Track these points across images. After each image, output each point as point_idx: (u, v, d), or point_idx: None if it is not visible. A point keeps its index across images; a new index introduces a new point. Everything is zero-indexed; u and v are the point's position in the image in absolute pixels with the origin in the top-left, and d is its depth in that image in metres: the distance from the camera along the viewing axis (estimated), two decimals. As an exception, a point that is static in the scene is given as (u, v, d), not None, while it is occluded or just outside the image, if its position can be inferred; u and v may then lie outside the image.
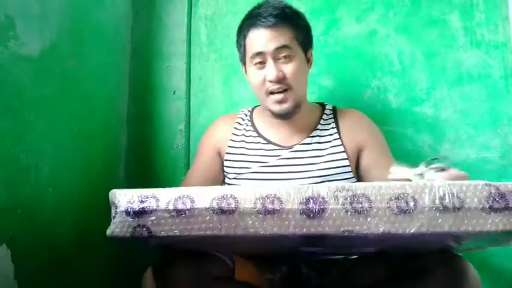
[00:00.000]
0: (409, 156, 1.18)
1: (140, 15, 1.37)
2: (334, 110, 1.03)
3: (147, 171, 1.29)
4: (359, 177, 0.98)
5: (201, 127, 1.29)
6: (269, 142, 1.00)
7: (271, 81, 0.90)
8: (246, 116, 1.07)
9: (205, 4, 1.37)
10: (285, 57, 0.91)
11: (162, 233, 0.58)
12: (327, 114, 1.02)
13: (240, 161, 1.00)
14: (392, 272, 0.73)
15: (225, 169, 1.02)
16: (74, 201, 1.00)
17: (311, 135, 0.98)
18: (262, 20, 0.90)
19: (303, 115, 0.98)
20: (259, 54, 0.91)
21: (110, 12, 1.22)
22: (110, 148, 1.23)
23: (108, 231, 0.60)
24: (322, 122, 1.00)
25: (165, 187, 0.58)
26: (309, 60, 0.99)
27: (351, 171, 0.95)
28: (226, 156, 1.02)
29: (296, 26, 0.94)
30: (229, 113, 1.18)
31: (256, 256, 0.84)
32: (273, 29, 0.90)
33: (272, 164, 0.97)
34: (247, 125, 1.04)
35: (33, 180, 0.87)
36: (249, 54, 0.94)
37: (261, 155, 0.98)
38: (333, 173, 0.94)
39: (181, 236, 0.59)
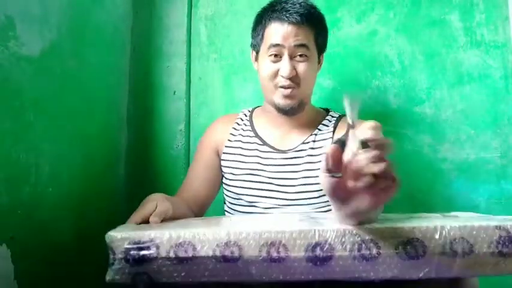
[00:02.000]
0: (409, 157, 1.18)
1: (140, 15, 1.37)
2: (340, 118, 1.01)
3: (147, 171, 1.29)
4: None
5: (201, 127, 1.29)
6: (265, 144, 0.99)
7: (283, 77, 0.91)
8: (246, 116, 1.07)
9: (205, 4, 1.37)
10: (300, 55, 0.91)
11: (164, 280, 0.57)
12: (329, 121, 1.01)
13: (236, 161, 1.00)
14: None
15: (223, 169, 1.02)
16: (74, 201, 1.00)
17: (306, 140, 0.97)
18: (287, 15, 0.90)
19: (304, 116, 0.98)
20: (277, 46, 0.91)
21: (110, 12, 1.22)
22: (110, 148, 1.23)
23: (108, 278, 0.58)
24: (320, 127, 0.99)
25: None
26: (319, 62, 0.99)
27: None
28: (223, 156, 1.02)
29: (318, 28, 0.95)
30: (229, 113, 1.18)
31: None
32: (297, 26, 0.90)
33: (266, 169, 0.96)
34: (246, 125, 1.04)
35: (33, 180, 0.87)
36: (266, 44, 0.93)
37: (256, 156, 0.98)
38: None
39: (184, 282, 0.58)
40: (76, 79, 1.03)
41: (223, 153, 1.02)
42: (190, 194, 0.98)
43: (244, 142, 1.01)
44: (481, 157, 1.15)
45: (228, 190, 1.01)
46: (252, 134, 1.02)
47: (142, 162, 1.29)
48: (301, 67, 0.92)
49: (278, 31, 0.91)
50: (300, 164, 0.95)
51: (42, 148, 0.90)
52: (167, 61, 1.33)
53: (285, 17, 0.90)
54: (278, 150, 0.98)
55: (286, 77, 0.90)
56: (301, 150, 0.96)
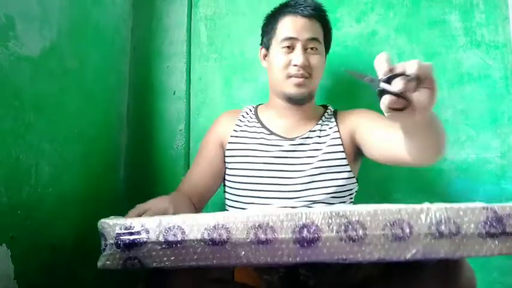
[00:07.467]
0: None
1: (140, 15, 1.37)
2: (335, 112, 1.07)
3: (147, 171, 1.29)
4: (372, 154, 0.94)
5: (201, 127, 1.29)
6: (272, 133, 1.02)
7: (296, 66, 0.94)
8: (251, 111, 1.10)
9: (205, 4, 1.37)
10: (312, 48, 0.97)
11: (154, 264, 0.58)
12: (329, 114, 1.06)
13: (241, 149, 1.01)
14: (387, 268, 0.73)
15: (226, 159, 1.03)
16: (73, 202, 1.00)
17: (313, 129, 1.01)
18: (301, 9, 0.96)
19: (309, 108, 1.03)
20: (290, 39, 0.96)
21: (110, 12, 1.22)
22: (110, 148, 1.23)
23: (99, 263, 0.59)
24: (323, 118, 1.04)
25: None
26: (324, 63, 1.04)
27: (346, 161, 0.97)
28: (228, 146, 1.03)
29: (326, 26, 1.02)
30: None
31: None
32: (310, 19, 0.97)
33: (273, 155, 0.98)
34: (251, 118, 1.07)
35: (33, 180, 0.87)
36: (279, 37, 0.98)
37: (262, 144, 1.00)
38: (330, 165, 0.96)
39: (174, 266, 0.58)
40: (76, 79, 1.03)
41: (229, 142, 1.03)
42: (192, 186, 1.00)
43: (250, 132, 1.03)
44: (481, 157, 1.14)
45: (232, 181, 1.01)
46: (258, 125, 1.04)
47: (142, 162, 1.29)
48: (314, 59, 0.97)
49: (292, 24, 0.96)
50: (306, 151, 0.98)
51: (43, 148, 0.90)
52: (167, 61, 1.33)
53: (299, 10, 0.96)
54: (285, 138, 1.00)
55: (300, 65, 0.94)
56: (308, 137, 0.99)
